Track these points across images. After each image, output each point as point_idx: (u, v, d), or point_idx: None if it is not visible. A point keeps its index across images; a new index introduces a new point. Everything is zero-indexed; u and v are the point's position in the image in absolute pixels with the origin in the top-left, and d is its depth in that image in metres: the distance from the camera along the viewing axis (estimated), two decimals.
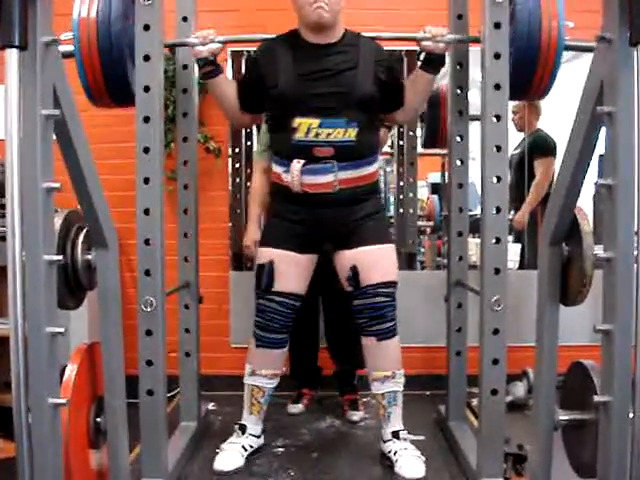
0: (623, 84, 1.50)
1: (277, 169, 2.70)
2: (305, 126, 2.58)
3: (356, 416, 3.21)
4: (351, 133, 2.59)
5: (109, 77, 2.45)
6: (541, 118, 4.20)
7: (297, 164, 2.59)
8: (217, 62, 2.68)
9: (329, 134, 2.58)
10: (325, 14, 2.56)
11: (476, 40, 2.66)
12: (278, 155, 2.70)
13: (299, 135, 2.59)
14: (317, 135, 2.58)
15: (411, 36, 2.67)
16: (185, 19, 2.89)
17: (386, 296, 2.65)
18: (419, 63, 2.72)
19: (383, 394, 2.70)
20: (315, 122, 2.57)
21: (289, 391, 3.43)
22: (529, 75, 2.52)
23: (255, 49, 2.80)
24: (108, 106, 2.59)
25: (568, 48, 2.55)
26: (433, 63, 2.67)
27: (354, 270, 2.65)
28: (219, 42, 2.62)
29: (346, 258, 2.68)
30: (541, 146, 4.11)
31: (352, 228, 2.67)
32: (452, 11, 2.93)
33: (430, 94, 2.85)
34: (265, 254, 2.71)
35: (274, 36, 2.73)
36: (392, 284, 2.67)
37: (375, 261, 2.67)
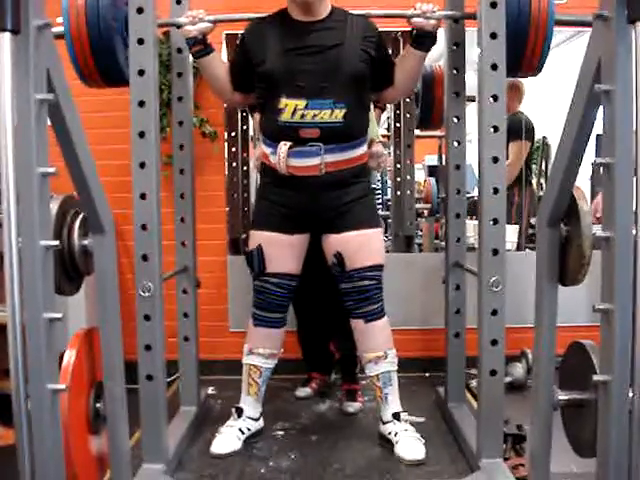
0: (621, 62, 1.48)
1: (266, 150, 2.70)
2: (291, 107, 2.57)
3: (352, 408, 3.14)
4: (338, 114, 2.58)
5: (98, 56, 2.45)
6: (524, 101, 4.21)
7: (284, 146, 2.59)
8: (207, 41, 2.68)
9: (315, 115, 2.57)
10: None
11: (468, 17, 2.63)
12: (266, 136, 2.70)
13: (285, 116, 2.58)
14: (303, 116, 2.57)
15: (401, 13, 2.65)
16: (179, 2, 2.87)
17: (372, 279, 2.67)
18: (410, 41, 2.70)
19: (377, 375, 2.71)
20: (301, 103, 2.56)
21: (300, 374, 3.44)
22: (520, 50, 2.50)
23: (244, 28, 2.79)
24: (99, 86, 2.59)
25: (559, 23, 2.53)
26: (424, 40, 2.65)
27: (338, 257, 2.67)
28: (209, 21, 2.63)
29: (332, 243, 2.69)
30: (515, 129, 4.08)
31: (339, 212, 2.67)
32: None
33: (421, 73, 2.82)
34: (255, 238, 2.74)
35: (263, 15, 2.73)
36: (378, 267, 2.69)
37: (361, 245, 2.67)
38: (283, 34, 2.64)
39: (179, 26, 2.67)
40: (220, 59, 2.84)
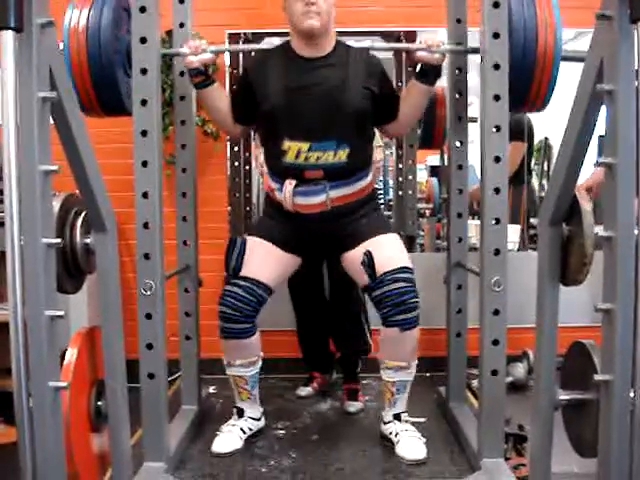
0: (623, 62, 1.49)
1: (272, 184, 2.70)
2: (294, 150, 2.56)
3: (353, 407, 3.11)
4: (342, 155, 2.57)
5: (99, 89, 2.44)
6: None
7: (289, 186, 2.60)
8: (209, 72, 2.67)
9: (319, 157, 2.56)
10: (316, 23, 2.54)
11: (473, 51, 2.64)
12: (271, 172, 2.71)
13: (289, 158, 2.58)
14: (307, 159, 2.56)
15: (406, 47, 2.64)
16: (182, 1, 2.87)
17: (405, 281, 2.53)
18: (415, 74, 2.68)
19: (394, 382, 2.65)
20: (304, 146, 2.55)
21: (301, 374, 3.43)
22: (526, 87, 2.50)
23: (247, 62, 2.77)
24: (99, 115, 2.56)
25: (566, 59, 2.52)
26: (429, 74, 2.63)
27: (369, 255, 2.57)
28: (211, 52, 2.61)
29: (354, 253, 2.63)
30: (512, 130, 4.04)
31: (348, 232, 2.65)
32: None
33: (426, 106, 2.77)
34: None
35: (266, 47, 2.72)
36: (408, 269, 2.57)
37: (385, 249, 2.61)
38: (286, 70, 2.62)
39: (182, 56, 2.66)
40: (221, 90, 2.80)
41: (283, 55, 2.66)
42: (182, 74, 2.82)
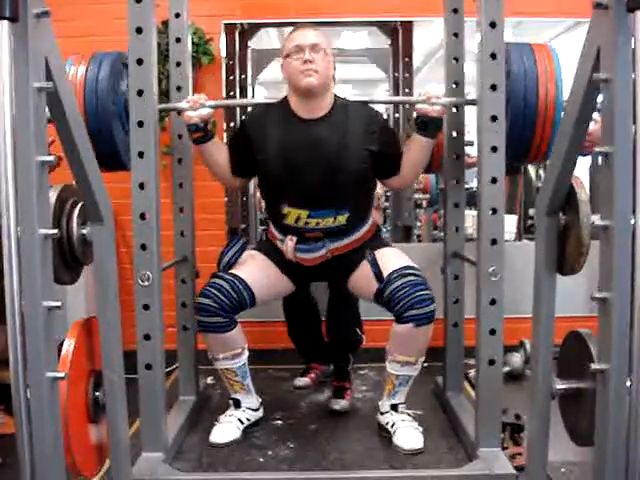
0: (620, 50, 1.48)
1: (274, 233, 2.75)
2: (294, 215, 2.60)
3: (338, 405, 2.98)
4: (341, 220, 2.62)
5: (96, 143, 2.40)
6: None
7: (290, 242, 2.65)
8: (208, 127, 2.66)
9: (318, 222, 2.60)
10: (315, 81, 2.54)
11: (468, 103, 2.64)
12: (273, 223, 2.76)
13: (289, 221, 2.62)
14: (306, 223, 2.60)
15: (406, 99, 2.63)
16: None
17: (414, 275, 2.54)
18: (415, 127, 2.68)
19: (397, 375, 2.65)
20: (303, 213, 2.59)
21: (299, 364, 3.42)
22: (527, 139, 2.49)
23: (245, 116, 2.78)
24: None
25: None
26: (430, 126, 2.62)
27: (372, 254, 2.63)
28: (210, 107, 2.61)
29: (358, 272, 2.69)
30: None
31: (349, 263, 2.70)
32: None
33: (429, 159, 2.75)
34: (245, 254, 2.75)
35: (264, 101, 2.71)
36: (416, 267, 2.59)
37: (388, 256, 2.66)
38: (284, 134, 2.62)
39: (180, 111, 2.69)
40: (220, 144, 2.80)
41: (281, 114, 2.66)
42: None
